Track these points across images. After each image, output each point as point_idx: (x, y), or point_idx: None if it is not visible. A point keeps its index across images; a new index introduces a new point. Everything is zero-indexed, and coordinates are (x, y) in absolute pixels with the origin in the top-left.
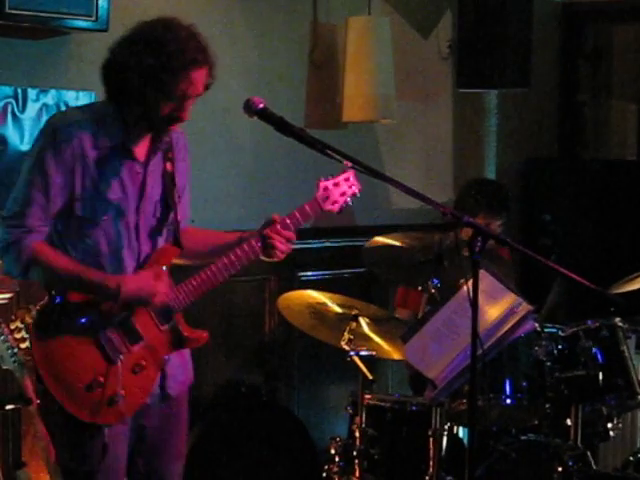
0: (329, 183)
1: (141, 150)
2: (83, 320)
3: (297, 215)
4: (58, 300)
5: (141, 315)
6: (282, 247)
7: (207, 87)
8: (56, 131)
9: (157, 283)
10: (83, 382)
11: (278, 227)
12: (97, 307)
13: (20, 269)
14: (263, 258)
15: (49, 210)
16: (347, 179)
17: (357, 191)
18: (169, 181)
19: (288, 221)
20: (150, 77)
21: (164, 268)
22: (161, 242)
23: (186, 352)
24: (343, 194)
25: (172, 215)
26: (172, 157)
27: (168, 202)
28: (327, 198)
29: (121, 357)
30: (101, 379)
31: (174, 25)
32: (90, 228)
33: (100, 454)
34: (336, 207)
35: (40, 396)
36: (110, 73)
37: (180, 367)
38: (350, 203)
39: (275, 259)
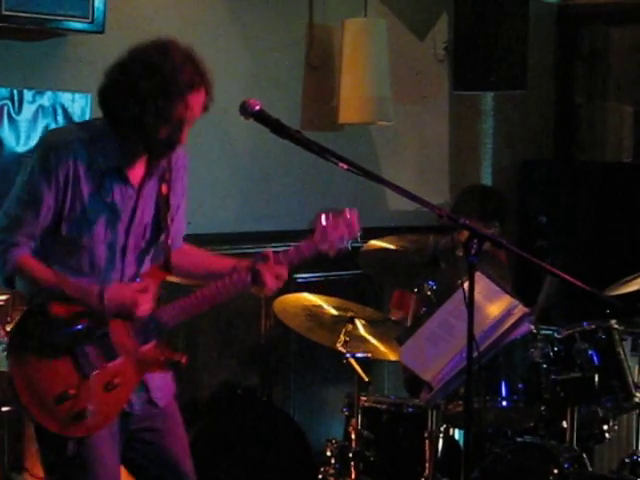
0: (328, 223)
1: (136, 173)
2: (61, 333)
3: (292, 254)
4: (37, 312)
5: (120, 333)
6: (271, 284)
7: (205, 109)
8: (51, 152)
9: (142, 295)
10: (53, 393)
11: (270, 263)
12: (77, 321)
13: (3, 278)
14: (252, 291)
15: (37, 228)
16: (346, 220)
17: (358, 235)
18: (163, 204)
19: (282, 258)
20: (147, 102)
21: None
22: (148, 264)
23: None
24: (341, 237)
25: (163, 237)
26: (169, 179)
27: (160, 225)
28: (325, 239)
29: (95, 372)
30: (72, 392)
31: (170, 48)
32: (74, 247)
33: (82, 465)
34: (332, 251)
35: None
36: (106, 98)
37: (163, 378)
38: (349, 248)
39: (262, 295)
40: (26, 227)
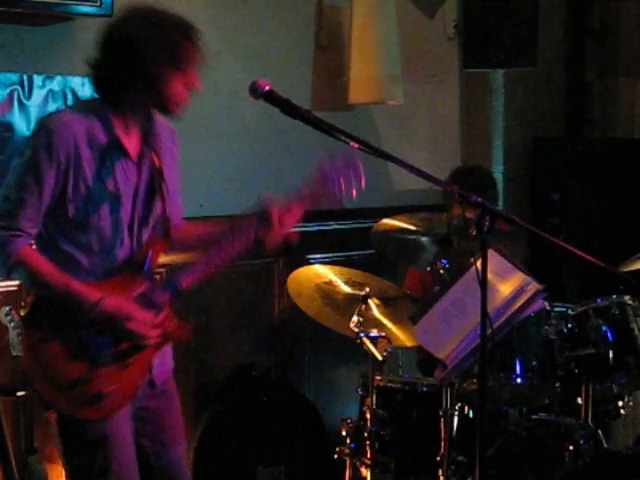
0: (332, 166)
1: (134, 147)
2: (71, 317)
3: (296, 202)
4: (47, 297)
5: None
6: (277, 242)
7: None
8: (51, 132)
9: (140, 311)
10: (68, 379)
11: (275, 224)
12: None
13: (5, 271)
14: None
15: (40, 212)
16: (351, 164)
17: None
18: (158, 175)
19: (285, 212)
20: (158, 46)
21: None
22: (148, 235)
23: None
24: (348, 180)
25: (161, 208)
26: (158, 150)
27: (156, 196)
28: (328, 181)
29: (108, 355)
30: (85, 376)
31: (150, 13)
32: (82, 228)
33: (105, 446)
34: (338, 193)
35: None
36: (106, 68)
37: (162, 355)
38: (354, 195)
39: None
40: (29, 210)
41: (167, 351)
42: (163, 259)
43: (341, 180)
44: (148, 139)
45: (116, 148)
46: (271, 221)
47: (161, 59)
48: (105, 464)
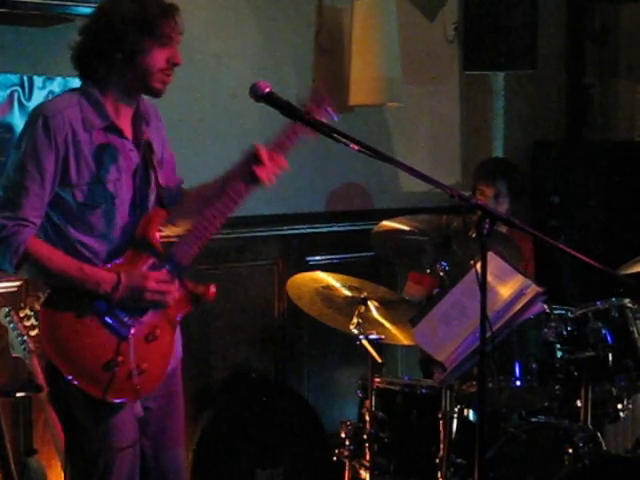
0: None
1: (127, 127)
2: (89, 299)
3: (282, 140)
4: (62, 289)
5: None
6: (268, 179)
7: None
8: (47, 119)
9: (153, 272)
10: (99, 362)
11: (264, 161)
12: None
13: (14, 265)
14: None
15: (44, 200)
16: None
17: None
18: (148, 150)
19: (275, 149)
20: (136, 18)
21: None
22: (148, 211)
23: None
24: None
25: (155, 181)
26: (147, 128)
27: (150, 170)
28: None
29: (132, 331)
30: (117, 357)
31: None
32: (89, 212)
33: (117, 435)
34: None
35: (52, 380)
36: (91, 31)
37: (175, 339)
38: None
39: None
40: (33, 198)
41: (178, 338)
42: (166, 232)
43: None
44: (137, 118)
45: (112, 131)
46: (261, 158)
47: (139, 30)
48: (109, 460)
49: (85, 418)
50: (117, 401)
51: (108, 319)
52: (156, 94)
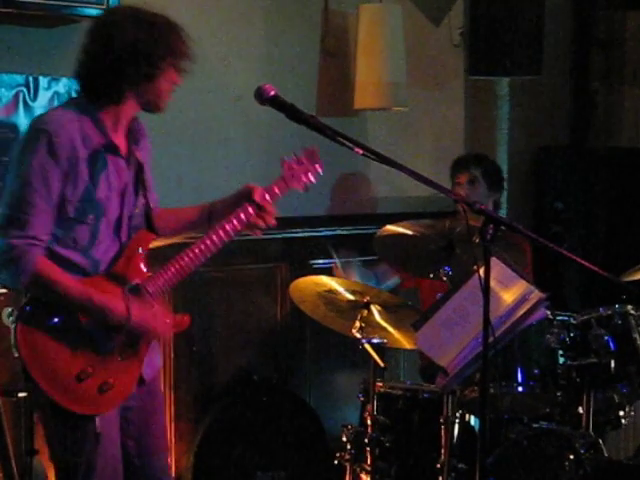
0: (293, 162)
1: (122, 144)
2: (67, 313)
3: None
4: (39, 300)
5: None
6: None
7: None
8: (50, 135)
9: (156, 306)
10: (72, 373)
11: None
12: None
13: (24, 284)
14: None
15: (52, 216)
16: (310, 157)
17: (320, 170)
18: (140, 170)
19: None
20: (157, 42)
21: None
22: (135, 228)
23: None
24: (307, 173)
25: (145, 201)
26: (139, 146)
27: (140, 190)
28: (292, 177)
29: (109, 346)
30: (90, 369)
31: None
32: (77, 226)
33: (94, 443)
34: (301, 185)
35: (29, 390)
36: (94, 65)
37: (152, 352)
38: (314, 181)
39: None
40: (41, 216)
41: (155, 347)
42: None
43: (304, 175)
44: (132, 135)
45: (109, 147)
46: (254, 197)
47: (161, 54)
48: (92, 462)
49: (59, 426)
50: (86, 414)
51: (86, 329)
52: (159, 112)
